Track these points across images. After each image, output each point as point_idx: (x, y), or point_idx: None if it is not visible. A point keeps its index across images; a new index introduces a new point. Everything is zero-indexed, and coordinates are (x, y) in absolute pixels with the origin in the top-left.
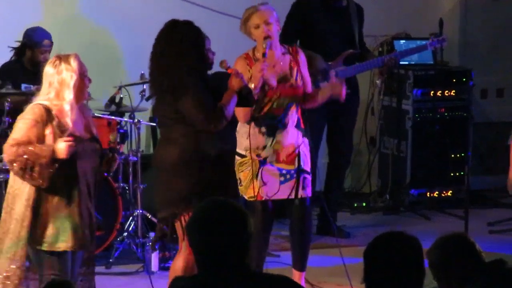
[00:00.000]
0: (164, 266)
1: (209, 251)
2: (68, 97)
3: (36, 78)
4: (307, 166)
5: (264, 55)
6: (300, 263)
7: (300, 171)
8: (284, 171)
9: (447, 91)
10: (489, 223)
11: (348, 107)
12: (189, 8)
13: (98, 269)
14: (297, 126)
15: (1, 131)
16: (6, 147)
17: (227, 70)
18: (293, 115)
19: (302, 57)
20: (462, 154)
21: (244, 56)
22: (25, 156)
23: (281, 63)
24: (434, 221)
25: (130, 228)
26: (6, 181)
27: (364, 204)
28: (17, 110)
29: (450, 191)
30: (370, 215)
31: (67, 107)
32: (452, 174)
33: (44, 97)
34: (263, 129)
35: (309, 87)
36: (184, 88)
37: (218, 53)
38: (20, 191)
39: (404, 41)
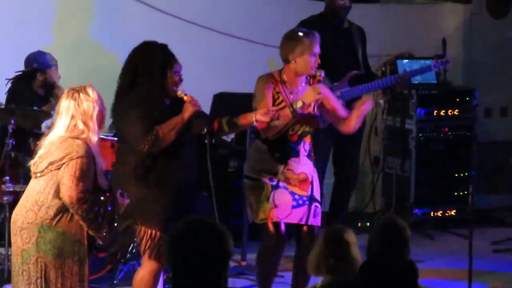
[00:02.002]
0: (169, 287)
1: (186, 269)
2: (93, 129)
3: (48, 100)
4: (318, 196)
5: (320, 81)
6: (302, 287)
7: (312, 199)
8: (297, 196)
9: (450, 111)
10: (494, 242)
11: None
12: (203, 34)
13: None
14: (309, 155)
15: (5, 153)
16: (75, 193)
17: (183, 97)
18: (306, 145)
19: (324, 89)
20: (466, 174)
21: (268, 75)
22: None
23: (301, 92)
24: (438, 240)
25: (134, 250)
26: (10, 203)
27: (368, 224)
28: (23, 133)
29: (454, 211)
30: None
31: (94, 139)
32: (456, 194)
33: (71, 129)
34: (277, 155)
35: (343, 112)
36: (127, 107)
37: (231, 75)
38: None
39: (407, 60)
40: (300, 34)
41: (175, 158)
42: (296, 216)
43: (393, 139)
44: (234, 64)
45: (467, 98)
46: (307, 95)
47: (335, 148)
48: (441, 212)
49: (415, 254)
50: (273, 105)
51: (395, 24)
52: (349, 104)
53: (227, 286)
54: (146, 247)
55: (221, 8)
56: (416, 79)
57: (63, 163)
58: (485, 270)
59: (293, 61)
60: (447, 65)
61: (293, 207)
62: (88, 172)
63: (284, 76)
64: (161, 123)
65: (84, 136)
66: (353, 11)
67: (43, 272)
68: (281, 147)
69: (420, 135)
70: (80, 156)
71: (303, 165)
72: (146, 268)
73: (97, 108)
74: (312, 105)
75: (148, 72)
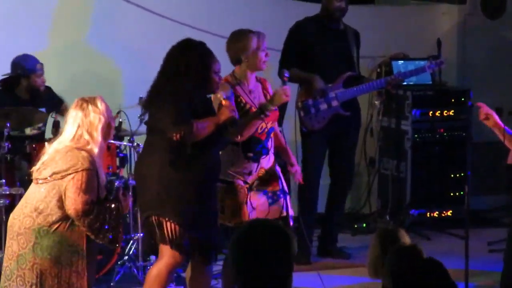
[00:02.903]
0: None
1: (252, 272)
2: (97, 140)
3: (32, 105)
4: (285, 186)
5: (285, 82)
6: None
7: (284, 192)
8: (270, 194)
9: (446, 111)
10: (489, 242)
11: (349, 128)
12: (189, 34)
13: None
14: (273, 150)
15: (1, 156)
16: (81, 207)
17: (221, 101)
18: (271, 141)
19: (269, 86)
20: (462, 174)
21: (224, 82)
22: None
23: (257, 89)
24: (434, 241)
25: (131, 252)
26: (6, 207)
27: (364, 225)
28: (19, 137)
29: (450, 211)
30: (371, 236)
31: (96, 150)
32: (452, 194)
33: (76, 139)
34: (250, 154)
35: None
36: (164, 95)
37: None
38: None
39: (402, 61)
40: (247, 33)
41: (202, 156)
42: (275, 212)
43: (389, 140)
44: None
45: (462, 99)
46: (276, 99)
47: (330, 149)
48: (437, 212)
49: None
50: (240, 113)
51: (389, 25)
52: (343, 105)
53: (291, 285)
54: (167, 241)
55: (214, 11)
56: (411, 80)
57: (68, 174)
58: (481, 270)
59: (245, 60)
60: (442, 66)
61: (270, 204)
62: (92, 184)
63: (239, 77)
64: (197, 118)
65: (89, 147)
66: (348, 12)
67: (38, 279)
68: (253, 147)
69: (416, 136)
70: (86, 168)
71: (270, 160)
72: (164, 261)
73: (103, 120)
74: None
75: (190, 71)
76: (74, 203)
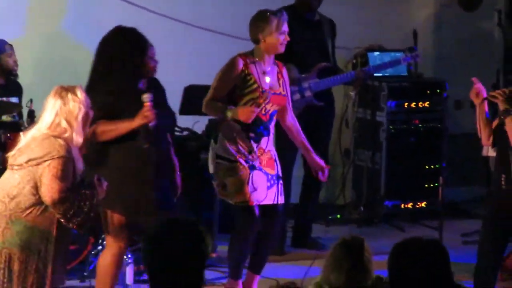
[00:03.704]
0: (138, 279)
1: (162, 271)
2: (76, 129)
3: (7, 90)
4: (281, 173)
5: (259, 105)
6: (260, 266)
7: (279, 177)
8: (269, 176)
9: (421, 103)
10: (463, 234)
11: (323, 119)
12: (166, 24)
13: (73, 282)
14: (273, 133)
15: None
16: (57, 195)
17: (145, 104)
18: (274, 123)
19: (285, 73)
20: (437, 166)
21: (240, 57)
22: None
23: (272, 71)
24: (409, 232)
25: (104, 242)
26: None
27: (338, 216)
28: None
29: (425, 203)
30: (345, 227)
31: (79, 140)
32: (426, 186)
33: (54, 126)
34: (252, 135)
35: (290, 105)
36: (92, 89)
37: (194, 65)
38: None
39: (378, 53)
40: (268, 14)
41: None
42: (271, 197)
43: (364, 131)
44: (205, 57)
45: (438, 90)
46: (241, 114)
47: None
48: (411, 204)
49: (386, 246)
50: (244, 88)
51: (365, 16)
52: (317, 97)
53: (202, 286)
54: (108, 230)
55: (192, 1)
56: (387, 72)
57: (44, 161)
58: (455, 261)
59: (263, 41)
60: (417, 59)
61: (268, 188)
62: (68, 172)
63: (255, 56)
64: (123, 113)
65: (66, 135)
66: (324, 3)
67: (7, 264)
68: (255, 127)
69: (391, 127)
70: (62, 156)
71: (270, 144)
72: (108, 250)
73: (83, 110)
74: (281, 84)
75: (121, 59)
76: (50, 190)
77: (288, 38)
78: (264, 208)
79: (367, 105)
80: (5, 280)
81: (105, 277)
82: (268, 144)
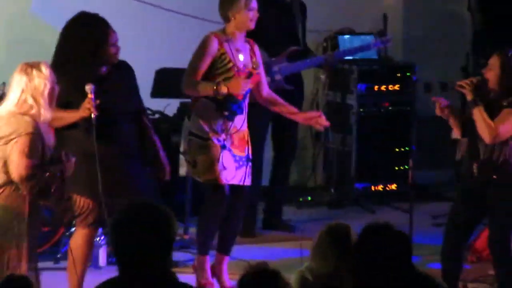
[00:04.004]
0: (111, 261)
1: (129, 255)
2: (43, 105)
3: None
4: (251, 154)
5: (250, 75)
6: (228, 247)
7: (248, 159)
8: (237, 158)
9: (391, 86)
10: (433, 216)
11: (293, 102)
12: (136, 7)
13: (46, 264)
14: (246, 113)
15: None
16: (25, 171)
17: (88, 94)
18: (247, 101)
19: (257, 49)
20: (407, 148)
21: (214, 35)
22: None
23: (245, 49)
24: (379, 214)
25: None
26: None
27: (309, 198)
28: None
29: (395, 185)
30: (316, 209)
31: (47, 115)
32: (396, 168)
33: (21, 103)
34: (226, 113)
35: (265, 82)
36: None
37: (172, 51)
38: None
39: (348, 36)
40: None
41: (107, 130)
42: (238, 178)
43: (334, 114)
44: (175, 40)
45: (408, 74)
46: (233, 86)
47: (274, 122)
48: (381, 186)
49: (356, 228)
50: (220, 66)
51: (336, 0)
52: (287, 80)
53: (171, 269)
54: (77, 214)
55: None
56: (357, 55)
57: (11, 139)
58: (425, 243)
59: (233, 18)
60: (387, 44)
61: (236, 168)
62: (36, 149)
63: (227, 34)
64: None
65: (33, 111)
66: None
67: None
68: (229, 106)
69: (361, 110)
70: (28, 132)
71: (244, 122)
72: (78, 233)
73: (48, 86)
74: (253, 62)
75: (82, 46)
76: (17, 167)
77: (257, 15)
78: (231, 188)
79: (337, 88)
80: None
81: (77, 259)
82: (242, 123)
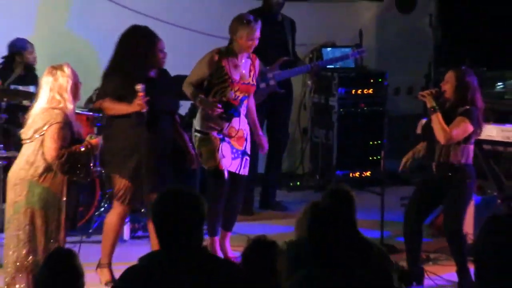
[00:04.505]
0: (134, 235)
1: (167, 231)
2: (68, 99)
3: (27, 80)
4: (249, 150)
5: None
6: (230, 224)
7: (245, 153)
8: (234, 150)
9: (366, 90)
10: (402, 198)
11: (283, 103)
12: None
13: (79, 238)
14: (246, 116)
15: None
16: (54, 152)
17: (138, 93)
18: (244, 107)
19: (257, 64)
20: (379, 142)
21: (215, 52)
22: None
23: (244, 64)
24: (356, 197)
25: (106, 205)
26: (4, 166)
27: (298, 183)
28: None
29: (369, 172)
30: (303, 192)
31: (70, 107)
32: (371, 158)
33: (50, 100)
34: (223, 115)
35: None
36: (109, 73)
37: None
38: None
39: (330, 48)
40: (245, 20)
41: (151, 123)
42: (234, 166)
43: (319, 113)
44: (181, 53)
45: (380, 80)
46: (206, 106)
47: (269, 119)
48: (358, 173)
49: None
50: (217, 78)
51: (320, 19)
52: (279, 85)
53: (202, 242)
54: (116, 193)
55: (173, 3)
56: (338, 64)
57: (45, 129)
58: (394, 221)
59: (235, 41)
60: (363, 55)
61: (232, 158)
62: (64, 134)
63: (229, 51)
64: (128, 96)
65: (61, 105)
66: (286, 8)
67: (31, 220)
68: (227, 109)
69: (341, 110)
70: (57, 122)
71: (242, 123)
72: (115, 211)
73: (71, 82)
74: (252, 75)
75: (136, 51)
76: (48, 150)
77: (256, 44)
78: (230, 176)
79: (321, 91)
80: (30, 234)
81: (110, 233)
82: (240, 123)
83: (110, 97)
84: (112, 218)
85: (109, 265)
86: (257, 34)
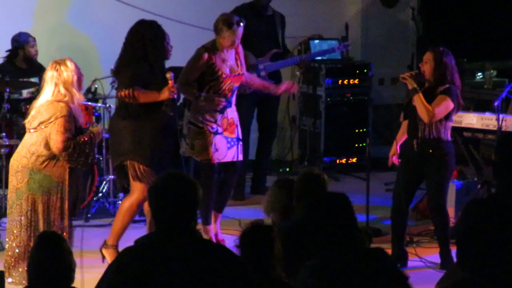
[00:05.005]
0: (135, 219)
1: (163, 214)
2: (73, 92)
3: (29, 73)
4: (241, 135)
5: (225, 96)
6: (222, 206)
7: (238, 139)
8: (229, 139)
9: (351, 80)
10: (386, 183)
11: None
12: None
13: (78, 222)
14: (235, 104)
15: (2, 115)
16: (61, 145)
17: (169, 81)
18: (234, 96)
19: (241, 50)
20: (364, 129)
21: (204, 49)
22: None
23: (230, 56)
24: (343, 182)
25: (104, 190)
26: (6, 154)
27: (287, 169)
28: (14, 99)
29: (355, 158)
30: (293, 177)
31: (76, 98)
32: (356, 145)
33: (56, 93)
34: (218, 108)
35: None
36: (125, 64)
37: (175, 57)
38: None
39: (318, 41)
40: (229, 24)
41: (153, 113)
42: (230, 155)
43: (307, 102)
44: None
45: (365, 71)
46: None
47: (259, 109)
48: (344, 159)
49: None
50: (210, 74)
51: (308, 12)
52: (270, 76)
53: (196, 225)
54: (136, 178)
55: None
56: (325, 56)
57: (51, 122)
58: (379, 205)
59: (219, 39)
60: (348, 48)
61: (228, 148)
62: (70, 127)
63: (217, 46)
64: (151, 84)
65: (66, 99)
66: (275, 2)
67: (32, 206)
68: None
69: (328, 99)
70: (63, 115)
71: (233, 112)
72: (134, 196)
73: (75, 77)
74: (239, 65)
75: (148, 42)
76: (56, 142)
77: (238, 43)
78: (225, 164)
79: (309, 82)
80: (32, 219)
81: (125, 217)
82: (231, 113)
83: (138, 85)
84: (131, 202)
85: (116, 247)
86: (239, 35)
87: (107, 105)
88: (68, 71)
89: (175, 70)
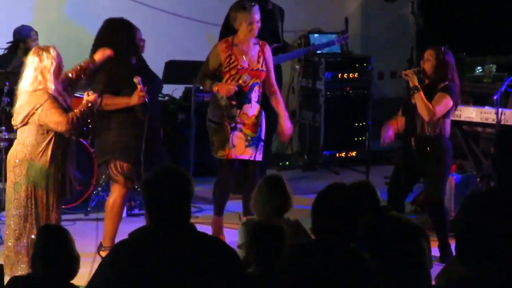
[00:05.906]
0: (130, 213)
1: (156, 207)
2: (51, 79)
3: None
4: (263, 136)
5: (240, 85)
6: (246, 209)
7: (259, 139)
8: (249, 137)
9: (351, 74)
10: (385, 177)
11: None
12: (156, 14)
13: (78, 215)
14: (258, 101)
15: (1, 108)
16: (64, 120)
17: (137, 85)
18: (256, 93)
19: (268, 51)
20: (364, 123)
21: (223, 43)
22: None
23: (252, 51)
24: (342, 175)
25: (103, 184)
26: (5, 148)
27: (287, 163)
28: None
29: (355, 152)
30: (292, 171)
31: (51, 87)
32: (356, 139)
33: (33, 81)
34: (234, 102)
35: (272, 78)
36: (97, 70)
37: (173, 47)
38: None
39: (317, 34)
40: (241, 7)
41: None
42: (249, 154)
43: (307, 96)
44: (179, 39)
45: (365, 64)
46: (222, 89)
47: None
48: (344, 153)
49: (324, 186)
50: (227, 66)
51: (308, 6)
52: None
53: (190, 218)
54: (119, 176)
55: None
56: (324, 50)
57: (36, 109)
58: None
59: (237, 29)
60: (347, 40)
61: (246, 146)
62: (57, 105)
63: (236, 39)
64: (121, 87)
65: (41, 86)
66: None
67: (32, 193)
68: (237, 96)
69: (328, 93)
70: (45, 99)
71: (254, 109)
72: (117, 193)
73: (54, 64)
74: (261, 62)
75: (116, 43)
76: (57, 125)
77: (255, 27)
78: (244, 161)
79: (309, 76)
80: (32, 206)
81: (113, 214)
82: (251, 110)
83: (106, 92)
84: (115, 200)
85: None
86: (256, 17)
87: None
88: (49, 58)
89: (173, 63)
